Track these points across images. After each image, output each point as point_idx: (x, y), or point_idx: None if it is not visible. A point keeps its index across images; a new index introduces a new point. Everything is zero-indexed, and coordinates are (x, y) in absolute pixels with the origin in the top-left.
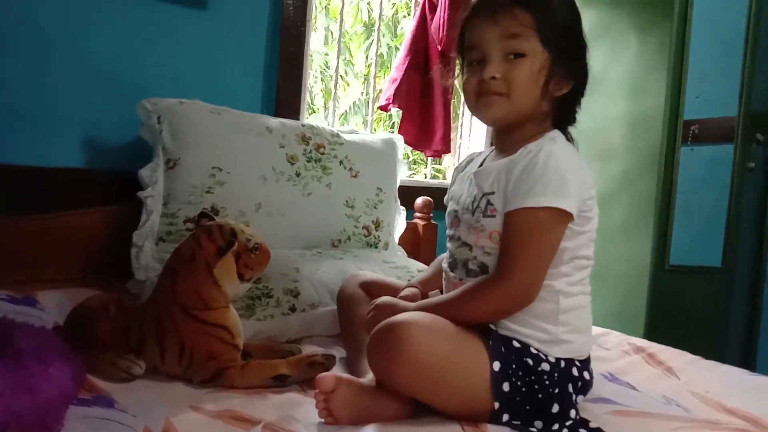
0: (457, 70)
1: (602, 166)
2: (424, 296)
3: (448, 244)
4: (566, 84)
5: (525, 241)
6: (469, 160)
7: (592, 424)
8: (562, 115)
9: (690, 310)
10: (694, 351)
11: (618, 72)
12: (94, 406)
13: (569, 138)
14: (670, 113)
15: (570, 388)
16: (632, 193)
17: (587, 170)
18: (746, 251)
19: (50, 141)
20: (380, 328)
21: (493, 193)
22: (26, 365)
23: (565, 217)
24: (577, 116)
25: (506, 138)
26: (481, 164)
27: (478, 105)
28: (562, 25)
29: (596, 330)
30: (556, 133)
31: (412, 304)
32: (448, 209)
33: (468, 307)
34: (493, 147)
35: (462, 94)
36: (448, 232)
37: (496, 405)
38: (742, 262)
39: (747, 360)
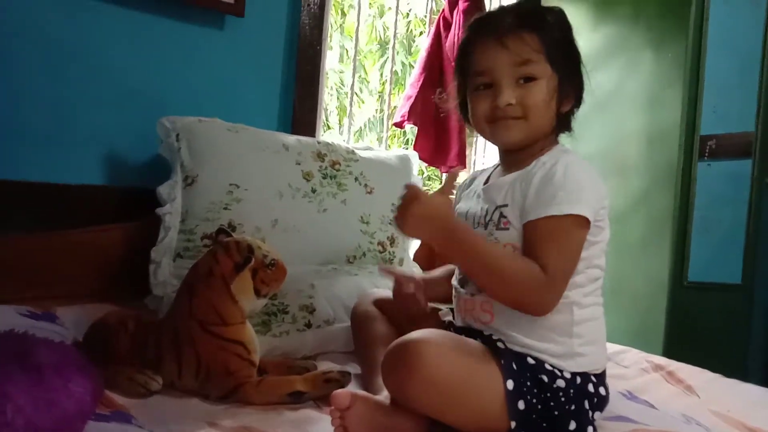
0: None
1: (619, 182)
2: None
3: None
4: (570, 100)
5: (557, 247)
6: (473, 178)
7: None
8: (560, 125)
9: (709, 327)
10: (713, 369)
11: (634, 87)
12: (112, 422)
13: None
14: (686, 128)
15: (586, 404)
16: (649, 208)
17: (601, 181)
18: (766, 267)
19: (70, 158)
20: (394, 347)
21: (506, 205)
22: (46, 380)
23: (586, 224)
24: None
25: (516, 155)
26: (487, 180)
27: (494, 130)
28: (564, 44)
29: (614, 347)
30: (566, 148)
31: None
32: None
33: (507, 266)
34: (497, 164)
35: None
36: None
37: (513, 424)
38: (762, 279)
39: None
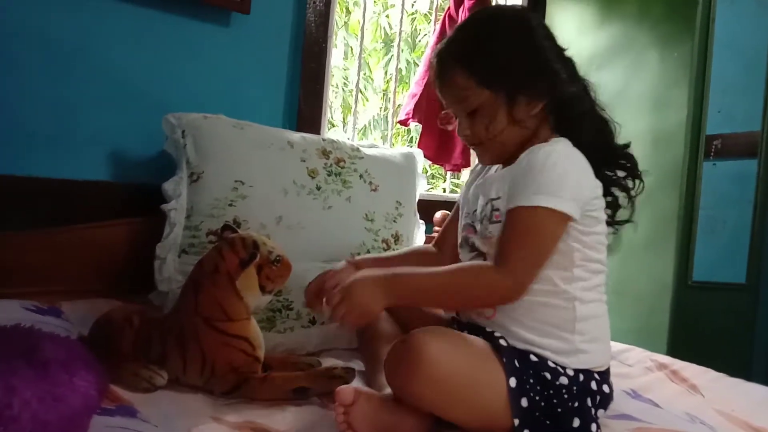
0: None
1: None
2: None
3: (465, 253)
4: (537, 101)
5: (520, 240)
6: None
7: None
8: (561, 121)
9: (714, 327)
10: (717, 369)
11: (639, 87)
12: (117, 416)
13: (580, 144)
14: (692, 128)
15: (589, 401)
16: (654, 209)
17: (589, 171)
18: None
19: (76, 155)
20: (397, 345)
21: (498, 198)
22: (52, 374)
23: (561, 217)
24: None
25: (511, 157)
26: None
27: (474, 151)
28: (504, 62)
29: (618, 346)
30: (560, 139)
31: (379, 272)
32: (463, 222)
33: (455, 282)
34: None
35: None
36: (462, 236)
37: (516, 421)
38: (767, 279)
39: None
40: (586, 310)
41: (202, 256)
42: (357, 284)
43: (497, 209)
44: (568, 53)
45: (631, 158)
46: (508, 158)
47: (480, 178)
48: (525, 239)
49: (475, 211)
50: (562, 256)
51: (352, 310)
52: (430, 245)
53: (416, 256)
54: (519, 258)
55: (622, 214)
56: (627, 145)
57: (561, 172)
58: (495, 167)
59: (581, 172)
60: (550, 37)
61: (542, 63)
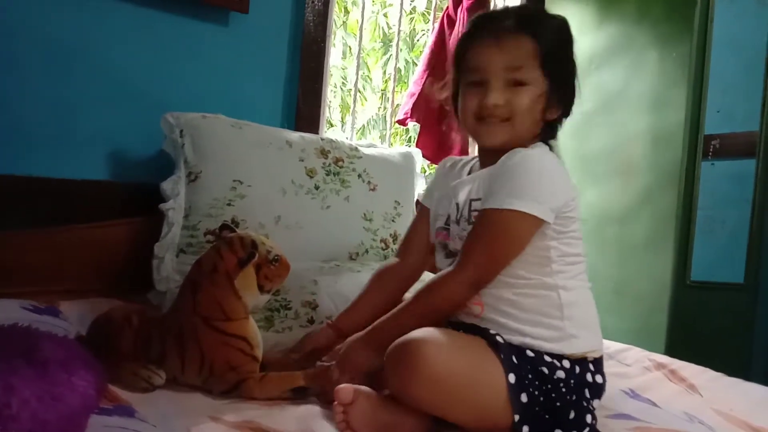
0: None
1: (623, 182)
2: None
3: (439, 264)
4: (558, 109)
5: (482, 240)
6: (453, 165)
7: None
8: (545, 132)
9: (712, 326)
10: (716, 368)
11: (638, 87)
12: (115, 416)
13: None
14: (690, 128)
15: (586, 393)
16: (653, 208)
17: (565, 173)
18: None
19: (74, 154)
20: (396, 346)
21: (478, 199)
22: (51, 374)
23: (532, 221)
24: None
25: (495, 154)
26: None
27: (478, 129)
28: (561, 54)
29: (616, 346)
30: (538, 144)
31: (360, 335)
32: (436, 224)
33: (422, 307)
34: (475, 157)
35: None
36: (437, 242)
37: (516, 417)
38: (766, 279)
39: None
40: (572, 297)
41: (200, 256)
42: (348, 355)
43: (476, 210)
44: None
45: None
46: (510, 145)
47: (453, 180)
48: (487, 239)
49: (448, 214)
50: (539, 255)
51: (354, 374)
52: (391, 258)
53: (378, 285)
54: (477, 255)
55: None
56: None
57: (536, 177)
58: (468, 168)
59: (557, 176)
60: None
61: (575, 69)
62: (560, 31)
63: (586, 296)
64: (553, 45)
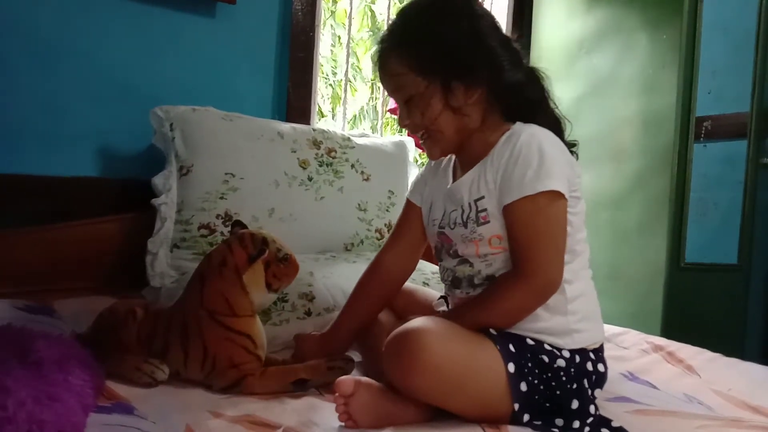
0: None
1: (615, 166)
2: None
3: (444, 262)
4: (475, 88)
5: (535, 231)
6: (436, 166)
7: (614, 423)
8: (511, 109)
9: (706, 308)
10: (712, 349)
11: (629, 70)
12: (114, 413)
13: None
14: (682, 110)
15: (586, 382)
16: (646, 192)
17: (566, 151)
18: (762, 248)
19: (65, 151)
20: (395, 336)
21: (482, 197)
22: (47, 374)
23: (562, 198)
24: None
25: (465, 155)
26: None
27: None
28: (438, 49)
29: (614, 329)
30: (519, 125)
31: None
32: (432, 227)
33: (495, 311)
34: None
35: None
36: (438, 247)
37: (516, 406)
38: (759, 259)
39: (766, 357)
40: (576, 290)
41: (211, 250)
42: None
43: (484, 209)
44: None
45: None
46: (456, 149)
47: (440, 183)
48: (539, 227)
49: (447, 219)
50: None
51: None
52: (372, 265)
53: (362, 301)
54: (542, 250)
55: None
56: (574, 144)
57: (549, 154)
58: (450, 167)
59: (563, 152)
60: (493, 26)
61: (481, 50)
62: (422, 20)
63: (588, 287)
64: (422, 47)
